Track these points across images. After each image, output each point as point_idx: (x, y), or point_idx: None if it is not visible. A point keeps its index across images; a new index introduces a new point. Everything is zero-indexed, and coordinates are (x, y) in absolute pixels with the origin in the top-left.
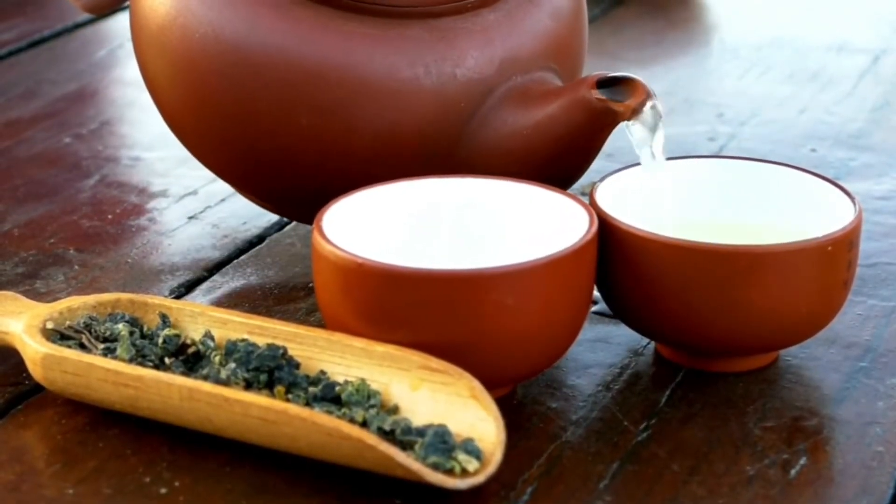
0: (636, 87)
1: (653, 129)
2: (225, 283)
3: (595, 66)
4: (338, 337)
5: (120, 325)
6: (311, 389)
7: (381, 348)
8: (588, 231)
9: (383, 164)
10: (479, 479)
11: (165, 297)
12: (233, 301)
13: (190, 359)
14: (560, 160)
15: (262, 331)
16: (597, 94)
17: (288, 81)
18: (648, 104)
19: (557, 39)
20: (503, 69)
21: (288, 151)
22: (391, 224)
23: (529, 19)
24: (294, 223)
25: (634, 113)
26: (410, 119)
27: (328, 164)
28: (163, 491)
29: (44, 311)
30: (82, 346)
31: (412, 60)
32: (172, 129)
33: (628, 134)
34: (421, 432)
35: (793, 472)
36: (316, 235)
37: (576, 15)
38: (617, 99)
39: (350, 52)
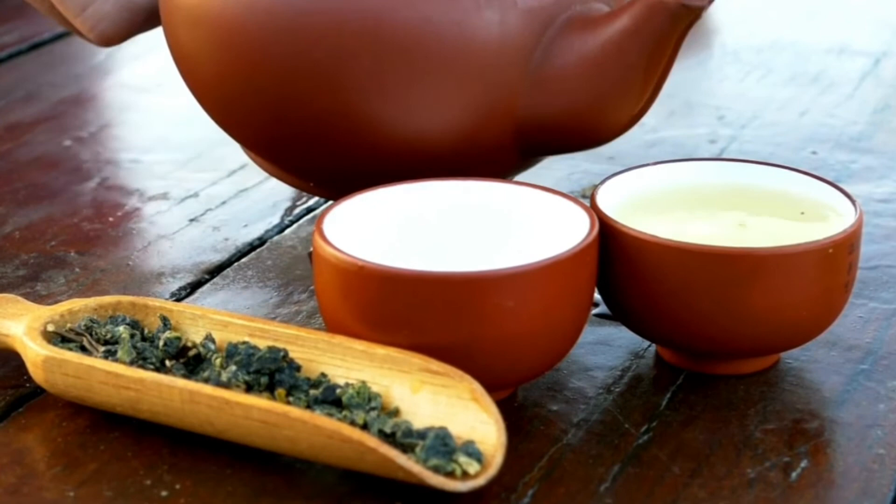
0: None
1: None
2: (226, 285)
3: None
4: (339, 339)
5: (121, 328)
6: (312, 392)
7: (381, 351)
8: (589, 234)
9: (451, 106)
10: (480, 481)
11: (166, 299)
12: (234, 304)
13: (191, 361)
14: (631, 79)
15: (263, 333)
16: None
17: (347, 27)
18: None
19: None
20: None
21: (347, 100)
22: (392, 227)
23: None
24: (294, 226)
25: (710, 3)
26: (475, 50)
27: (389, 108)
28: (164, 493)
29: (45, 314)
30: (83, 349)
31: None
32: (210, 104)
33: None
34: (422, 435)
35: (794, 474)
36: (317, 238)
37: None
38: None
39: None
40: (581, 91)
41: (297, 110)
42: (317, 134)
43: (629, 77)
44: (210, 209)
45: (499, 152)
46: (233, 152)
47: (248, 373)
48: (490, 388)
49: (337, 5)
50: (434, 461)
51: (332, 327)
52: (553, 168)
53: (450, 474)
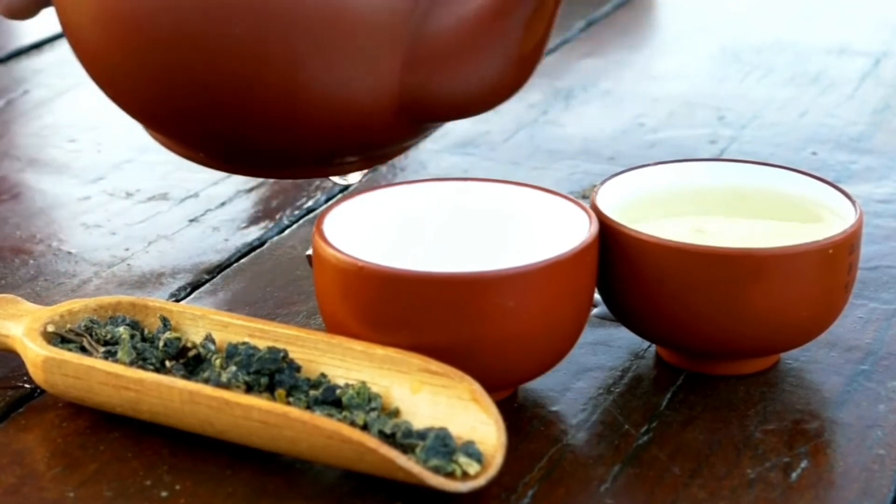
0: None
1: None
2: (226, 286)
3: (598, 70)
4: (338, 340)
5: (121, 329)
6: (312, 392)
7: (381, 351)
8: (589, 234)
9: (332, 52)
10: (480, 482)
11: (166, 300)
12: (234, 304)
13: (191, 362)
14: (514, 43)
15: (263, 334)
16: None
17: None
18: None
19: None
20: None
21: (226, 66)
22: (392, 227)
23: None
24: (294, 226)
25: None
26: (351, 14)
27: (269, 74)
28: (164, 494)
29: (44, 315)
30: (83, 350)
31: None
32: (98, 75)
33: None
34: (422, 435)
35: (794, 475)
36: (317, 238)
37: None
38: None
39: None
40: (461, 55)
41: (177, 77)
42: (199, 101)
43: (510, 38)
44: (210, 209)
45: (384, 118)
46: None
47: (248, 373)
48: (490, 388)
49: None
50: (434, 462)
51: (332, 328)
52: (553, 168)
53: (450, 475)
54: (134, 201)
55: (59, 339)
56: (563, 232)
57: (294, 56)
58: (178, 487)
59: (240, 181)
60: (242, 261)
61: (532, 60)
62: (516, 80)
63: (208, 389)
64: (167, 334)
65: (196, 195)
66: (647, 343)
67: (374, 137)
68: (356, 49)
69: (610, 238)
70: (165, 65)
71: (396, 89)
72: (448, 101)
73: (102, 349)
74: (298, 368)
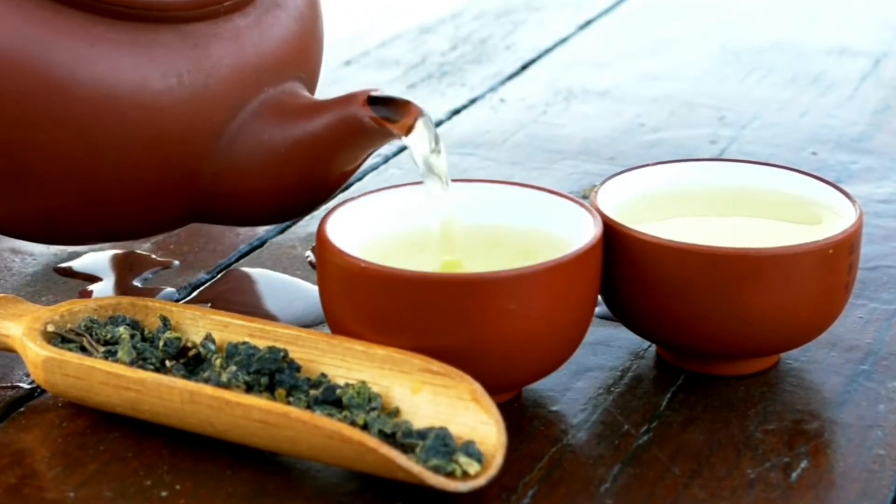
0: (408, 108)
1: (432, 144)
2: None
3: (598, 70)
4: (338, 340)
5: (121, 328)
6: (312, 392)
7: (381, 351)
8: (592, 236)
9: (129, 181)
10: (480, 482)
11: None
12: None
13: (191, 362)
14: (317, 179)
15: (263, 334)
16: (369, 112)
17: (26, 91)
18: (421, 122)
19: (303, 44)
20: (257, 79)
21: (25, 169)
22: (395, 228)
23: (278, 24)
24: (294, 227)
25: (409, 131)
26: (161, 133)
27: (69, 182)
28: (164, 494)
29: (45, 314)
30: (83, 349)
31: (165, 70)
32: None
33: (412, 155)
34: (422, 435)
35: (794, 475)
36: (320, 239)
37: (314, 18)
38: (389, 118)
39: (97, 60)
40: (262, 181)
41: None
42: (6, 179)
43: (312, 175)
44: None
45: (172, 219)
46: None
47: (249, 373)
48: (493, 390)
49: (22, 71)
50: (434, 461)
51: (335, 329)
52: (553, 168)
53: (450, 475)
54: None
55: (60, 338)
56: (568, 233)
57: (94, 162)
58: (178, 487)
59: None
60: (242, 260)
61: (331, 190)
62: (312, 205)
63: (209, 389)
64: (167, 334)
65: None
66: (647, 343)
67: (152, 227)
68: (159, 164)
69: (610, 238)
70: None
71: (192, 200)
72: (240, 215)
73: (102, 349)
74: (298, 368)
